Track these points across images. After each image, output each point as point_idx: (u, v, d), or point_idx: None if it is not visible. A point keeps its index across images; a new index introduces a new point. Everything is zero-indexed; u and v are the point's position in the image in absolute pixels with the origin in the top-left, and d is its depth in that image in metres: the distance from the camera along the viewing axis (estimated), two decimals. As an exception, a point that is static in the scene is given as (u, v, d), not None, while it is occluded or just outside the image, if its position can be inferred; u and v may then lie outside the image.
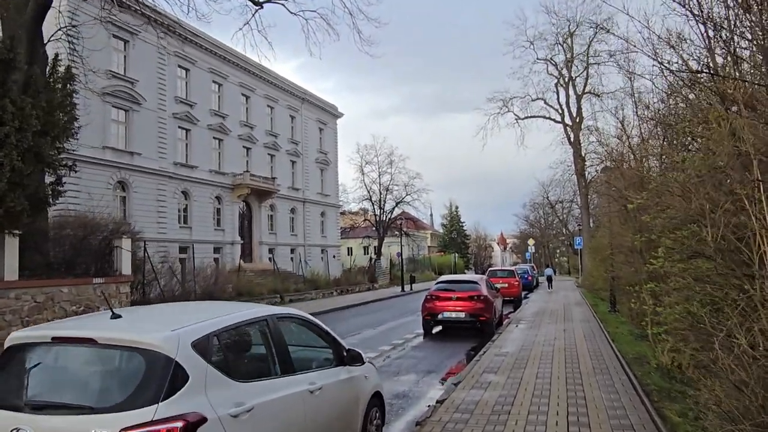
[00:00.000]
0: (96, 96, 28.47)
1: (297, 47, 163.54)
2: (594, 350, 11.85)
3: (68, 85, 14.43)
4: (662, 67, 8.60)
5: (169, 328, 3.70)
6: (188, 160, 34.51)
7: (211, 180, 35.95)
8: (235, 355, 4.27)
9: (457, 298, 15.41)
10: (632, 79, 14.23)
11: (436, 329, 16.49)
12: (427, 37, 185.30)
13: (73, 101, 14.68)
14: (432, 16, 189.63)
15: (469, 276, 17.31)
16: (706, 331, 5.39)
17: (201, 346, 3.67)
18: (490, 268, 28.28)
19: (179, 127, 34.00)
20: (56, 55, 15.55)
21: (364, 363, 5.57)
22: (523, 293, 32.68)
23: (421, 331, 16.02)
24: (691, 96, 7.89)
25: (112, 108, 29.55)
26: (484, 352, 11.94)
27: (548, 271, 41.65)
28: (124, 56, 30.56)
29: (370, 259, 40.19)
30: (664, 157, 9.65)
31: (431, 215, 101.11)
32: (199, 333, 3.75)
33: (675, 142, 9.67)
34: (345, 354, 5.36)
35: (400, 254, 61.71)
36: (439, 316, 15.43)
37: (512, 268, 27.94)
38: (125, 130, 30.41)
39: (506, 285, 25.64)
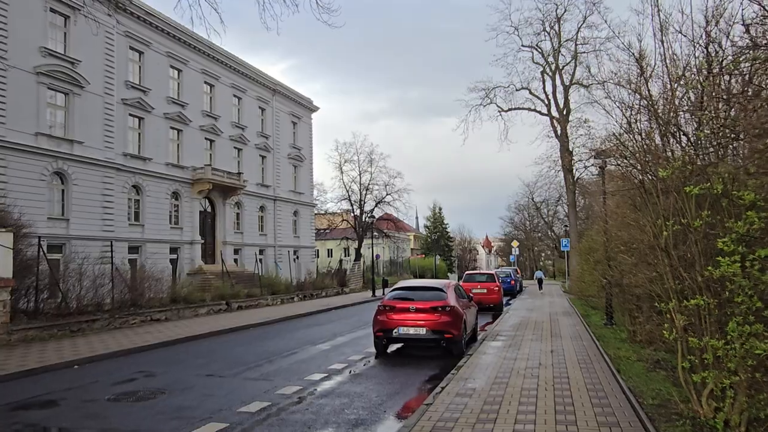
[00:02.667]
0: (27, 75, 24.84)
1: (287, 50, 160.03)
2: (594, 386, 8.40)
3: None
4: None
5: None
6: (141, 152, 30.79)
7: (167, 174, 32.24)
8: None
9: (417, 310, 11.92)
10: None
11: (394, 347, 13.00)
12: (417, 41, 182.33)
13: None
14: (422, 19, 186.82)
15: (434, 282, 13.73)
16: None
17: None
18: (466, 272, 24.78)
19: (130, 114, 30.28)
20: None
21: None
22: (506, 299, 29.34)
23: (374, 349, 12.55)
24: None
25: (47, 90, 25.79)
26: (443, 388, 8.46)
27: (538, 273, 43.65)
28: (64, 33, 26.84)
29: (340, 261, 36.66)
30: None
31: (416, 218, 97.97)
32: None
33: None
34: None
35: (378, 256, 58.39)
36: (394, 333, 11.92)
37: (492, 271, 24.45)
38: (64, 115, 26.68)
39: (485, 291, 22.27)
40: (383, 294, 32.94)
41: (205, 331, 15.79)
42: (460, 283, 23.07)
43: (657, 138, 6.91)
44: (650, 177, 6.78)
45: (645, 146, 6.87)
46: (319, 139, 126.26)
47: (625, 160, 8.33)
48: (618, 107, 7.81)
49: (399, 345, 12.92)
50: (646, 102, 6.88)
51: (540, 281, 41.97)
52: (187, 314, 19.00)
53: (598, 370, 9.68)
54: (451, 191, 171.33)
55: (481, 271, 25.16)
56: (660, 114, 6.70)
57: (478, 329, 16.35)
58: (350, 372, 10.48)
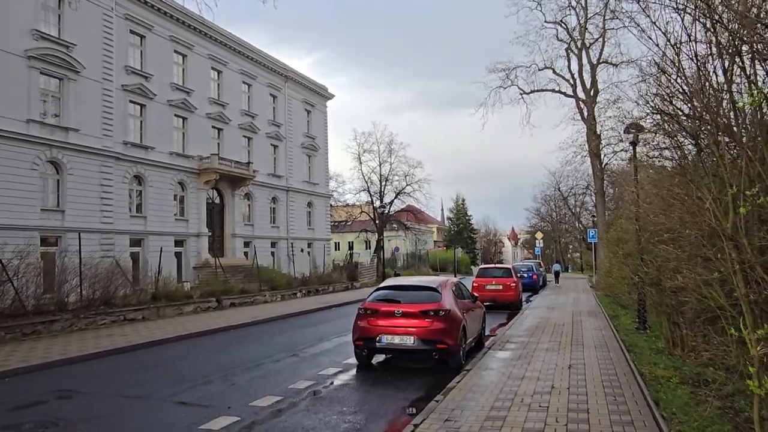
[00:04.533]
0: (17, 59, 23.24)
1: (312, 44, 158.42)
2: (623, 428, 6.03)
3: None
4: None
5: None
6: (142, 140, 29.08)
7: (171, 163, 30.49)
8: None
9: (404, 314, 9.65)
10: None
11: (380, 358, 10.77)
12: (442, 32, 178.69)
13: None
14: (444, 10, 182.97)
15: (427, 279, 11.41)
16: None
17: None
18: (480, 266, 22.31)
19: (131, 101, 28.56)
20: None
21: None
22: (526, 296, 26.78)
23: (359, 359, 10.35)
24: None
25: (40, 75, 24.15)
26: (416, 426, 6.20)
27: (556, 266, 43.51)
28: (59, 15, 25.17)
29: (350, 254, 34.47)
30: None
31: (442, 210, 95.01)
32: None
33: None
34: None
35: (397, 248, 56.15)
36: (377, 343, 9.68)
37: (508, 265, 21.83)
38: (59, 102, 25.03)
39: (500, 287, 19.82)
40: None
41: (178, 333, 13.81)
42: (474, 277, 20.71)
43: (719, 72, 4.54)
44: (709, 130, 4.40)
45: (702, 80, 4.50)
46: (342, 130, 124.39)
47: (669, 116, 5.88)
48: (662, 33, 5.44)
49: (384, 356, 10.68)
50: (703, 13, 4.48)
51: (557, 274, 41.39)
52: (168, 313, 17.08)
53: (629, 398, 7.27)
54: (476, 182, 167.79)
55: (497, 265, 22.62)
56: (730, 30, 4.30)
57: (487, 333, 14.03)
58: (314, 394, 8.28)
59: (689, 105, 4.81)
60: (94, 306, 14.81)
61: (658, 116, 8.27)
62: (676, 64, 5.13)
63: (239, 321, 16.20)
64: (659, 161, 11.96)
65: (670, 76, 6.10)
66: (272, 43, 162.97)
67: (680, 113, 5.58)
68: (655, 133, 8.77)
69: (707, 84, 4.62)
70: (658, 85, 6.12)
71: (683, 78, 5.07)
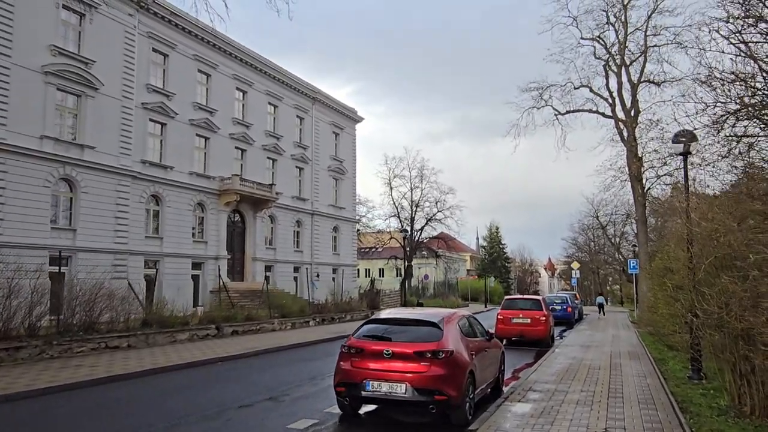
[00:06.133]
0: (34, 75, 22.56)
1: (351, 75, 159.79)
2: None
3: None
4: None
5: None
6: (162, 159, 28.11)
7: (191, 183, 29.39)
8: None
9: (395, 356, 7.66)
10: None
11: (369, 407, 8.74)
12: (479, 60, 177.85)
13: None
14: (481, 37, 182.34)
15: (428, 312, 9.29)
16: None
17: None
18: (506, 297, 19.98)
19: (151, 119, 27.69)
20: None
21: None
22: (559, 330, 24.21)
23: (342, 408, 8.37)
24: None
25: (57, 91, 23.44)
26: None
27: (600, 299, 42.94)
28: (79, 32, 24.56)
29: (372, 280, 32.56)
30: None
31: (477, 238, 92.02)
32: None
33: None
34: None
35: (426, 276, 53.86)
36: (362, 390, 7.70)
37: (538, 297, 19.36)
38: (75, 118, 24.28)
39: (528, 321, 17.50)
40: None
41: (155, 366, 12.09)
42: (499, 309, 18.49)
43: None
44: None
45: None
46: (378, 157, 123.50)
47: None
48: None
49: (373, 406, 8.66)
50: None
51: (601, 306, 40.46)
52: (160, 340, 15.40)
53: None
54: (514, 212, 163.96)
55: (525, 296, 20.17)
56: None
57: (510, 375, 11.87)
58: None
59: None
60: (71, 332, 13.28)
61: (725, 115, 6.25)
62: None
63: (233, 352, 14.40)
64: (717, 177, 9.81)
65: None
66: (315, 73, 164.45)
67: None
68: (718, 133, 6.69)
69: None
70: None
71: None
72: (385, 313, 8.85)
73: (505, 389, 10.42)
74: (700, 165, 10.20)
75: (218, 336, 17.71)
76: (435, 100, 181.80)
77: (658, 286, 13.42)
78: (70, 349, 12.97)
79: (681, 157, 10.73)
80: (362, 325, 8.55)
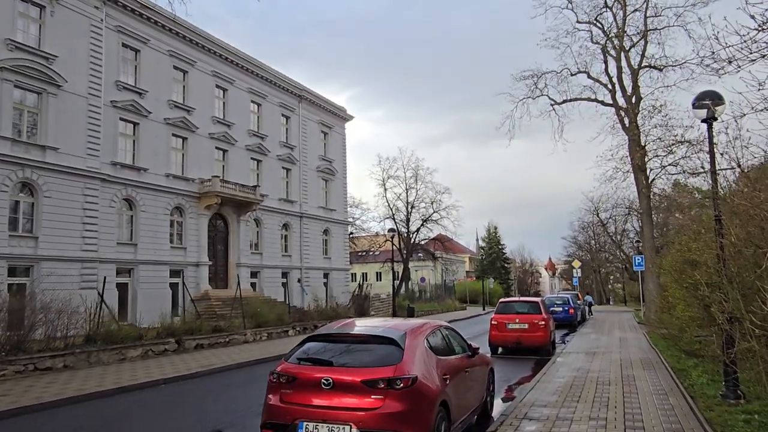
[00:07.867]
0: (-14, 71, 20.61)
1: (347, 82, 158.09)
2: None
3: None
4: None
5: None
6: (135, 161, 26.07)
7: (167, 186, 27.33)
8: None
9: (337, 386, 5.56)
10: None
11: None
12: (477, 64, 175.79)
13: None
14: (479, 41, 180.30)
15: (388, 324, 6.94)
16: None
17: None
18: (500, 300, 17.75)
19: (122, 119, 25.66)
20: None
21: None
22: (561, 334, 22.02)
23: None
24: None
25: (14, 89, 21.47)
26: None
27: (588, 298, 41.94)
28: (39, 25, 22.59)
29: (359, 285, 30.41)
30: None
31: (477, 240, 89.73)
32: None
33: None
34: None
35: (423, 279, 51.70)
36: (294, 433, 5.60)
37: (536, 299, 17.07)
38: (36, 117, 22.27)
39: (525, 326, 15.31)
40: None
41: (79, 392, 9.97)
42: (493, 313, 16.32)
43: None
44: None
45: None
46: (374, 161, 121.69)
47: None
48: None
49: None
50: None
51: (590, 305, 39.69)
52: (105, 359, 13.29)
53: None
54: (513, 212, 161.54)
55: (522, 299, 17.94)
56: None
57: (500, 395, 9.77)
58: None
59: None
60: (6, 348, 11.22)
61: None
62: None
63: (184, 371, 12.29)
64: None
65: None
66: (314, 79, 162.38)
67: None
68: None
69: None
70: None
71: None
72: (327, 329, 6.69)
73: (495, 414, 8.33)
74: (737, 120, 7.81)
75: (178, 351, 15.56)
76: (432, 104, 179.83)
77: (676, 283, 11.26)
78: (-13, 372, 10.91)
79: (696, 135, 8.70)
80: (301, 344, 6.42)
